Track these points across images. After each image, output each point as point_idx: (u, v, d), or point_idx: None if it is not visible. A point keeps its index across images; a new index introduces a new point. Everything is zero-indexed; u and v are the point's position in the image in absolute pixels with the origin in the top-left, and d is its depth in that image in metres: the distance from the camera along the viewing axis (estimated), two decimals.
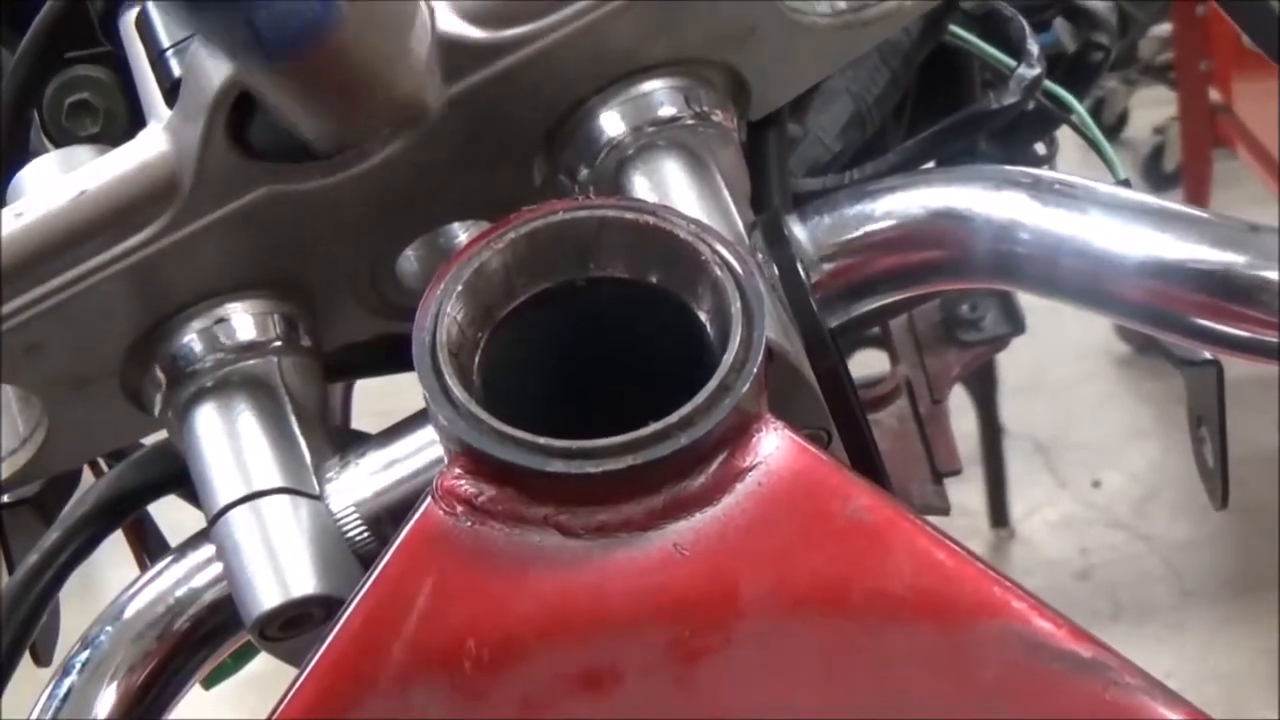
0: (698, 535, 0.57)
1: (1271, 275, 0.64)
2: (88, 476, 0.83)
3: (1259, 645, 2.90)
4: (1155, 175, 4.20)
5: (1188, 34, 3.63)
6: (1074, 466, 3.38)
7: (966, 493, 3.17)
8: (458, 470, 0.57)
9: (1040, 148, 0.96)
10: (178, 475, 0.73)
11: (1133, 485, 3.30)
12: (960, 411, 3.11)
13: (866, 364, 1.31)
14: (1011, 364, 3.14)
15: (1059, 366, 3.51)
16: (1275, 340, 0.64)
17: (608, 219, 0.61)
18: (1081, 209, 0.68)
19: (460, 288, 0.59)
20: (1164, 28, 4.20)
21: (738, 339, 0.58)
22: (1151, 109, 4.35)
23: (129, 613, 0.70)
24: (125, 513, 0.76)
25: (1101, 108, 4.43)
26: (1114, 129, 4.46)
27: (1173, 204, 0.68)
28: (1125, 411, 3.46)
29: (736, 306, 0.59)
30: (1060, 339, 3.28)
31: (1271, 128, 3.24)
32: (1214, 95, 3.61)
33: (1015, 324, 1.04)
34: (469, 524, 0.57)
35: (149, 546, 0.90)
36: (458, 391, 0.57)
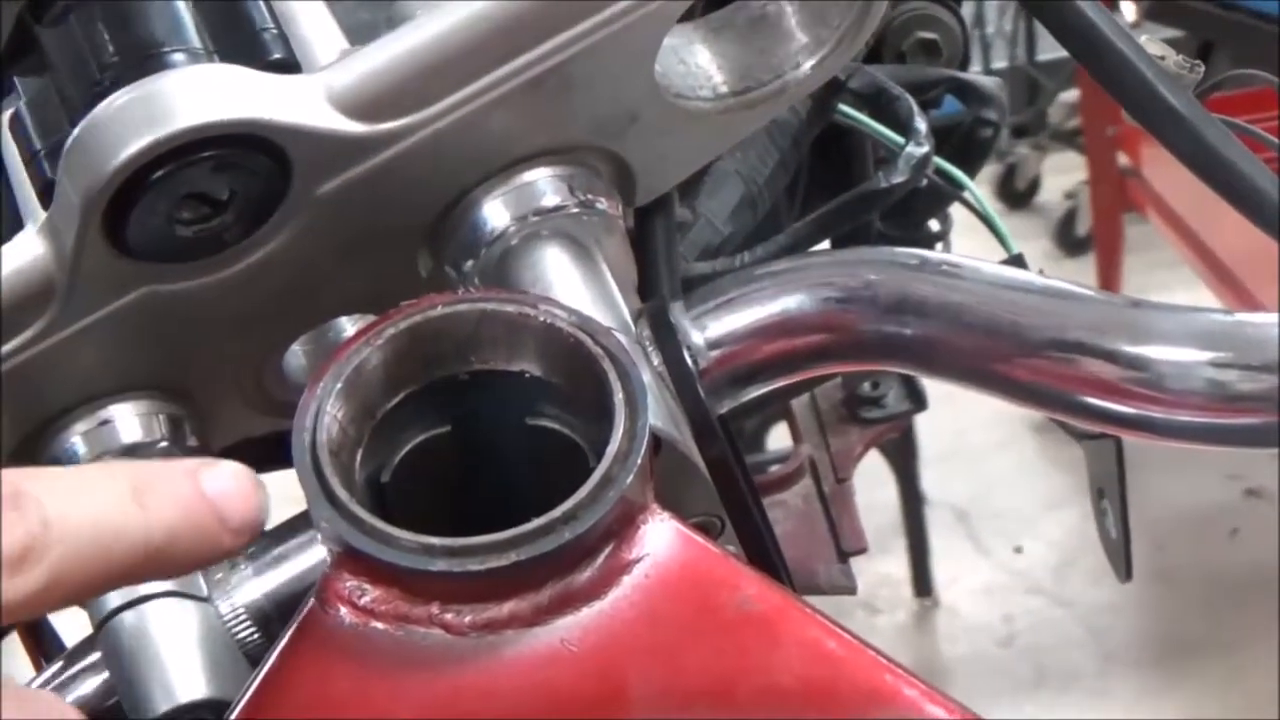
0: (585, 630, 0.56)
1: (1152, 351, 0.64)
2: None
3: (1181, 708, 2.91)
4: (1068, 240, 4.24)
5: (1094, 99, 3.65)
6: (995, 534, 3.39)
7: (890, 562, 3.17)
8: (340, 570, 0.56)
9: (935, 223, 0.96)
10: None
11: (1053, 551, 3.31)
12: (881, 480, 3.11)
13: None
14: (930, 432, 3.15)
15: (977, 434, 3.52)
16: (1160, 416, 0.64)
17: (487, 312, 0.60)
18: (967, 290, 0.68)
19: (340, 386, 0.59)
20: (1072, 93, 4.25)
21: (621, 430, 0.57)
22: (1062, 174, 4.39)
23: None
24: None
25: (1013, 174, 4.48)
26: (1026, 195, 4.51)
27: (1058, 281, 0.68)
28: (1044, 478, 3.47)
29: (619, 397, 0.58)
30: (977, 406, 3.29)
31: (1180, 191, 3.27)
32: (1123, 159, 3.64)
33: (917, 401, 1.04)
34: (353, 625, 0.56)
35: (45, 649, 0.89)
36: (339, 491, 0.56)
